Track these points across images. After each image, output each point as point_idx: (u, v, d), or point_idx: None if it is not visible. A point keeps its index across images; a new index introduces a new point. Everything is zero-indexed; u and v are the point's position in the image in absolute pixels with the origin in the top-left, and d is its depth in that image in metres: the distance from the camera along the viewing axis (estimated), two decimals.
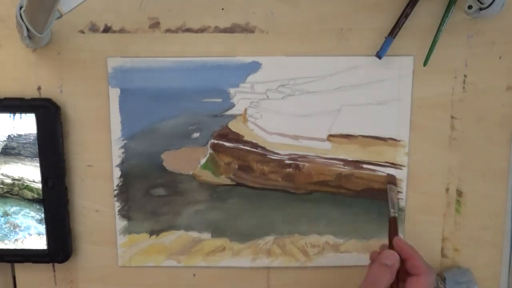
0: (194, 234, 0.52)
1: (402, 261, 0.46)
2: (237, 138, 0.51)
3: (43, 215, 0.50)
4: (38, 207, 0.50)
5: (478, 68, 0.50)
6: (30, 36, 0.45)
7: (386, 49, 0.47)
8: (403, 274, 0.46)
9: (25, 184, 0.50)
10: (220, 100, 0.50)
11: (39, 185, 0.50)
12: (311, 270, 0.53)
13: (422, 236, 0.52)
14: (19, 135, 0.49)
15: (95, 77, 0.49)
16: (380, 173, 0.51)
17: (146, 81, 0.49)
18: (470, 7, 0.46)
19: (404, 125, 0.50)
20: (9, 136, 0.49)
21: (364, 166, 0.51)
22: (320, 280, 0.54)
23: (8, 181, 0.50)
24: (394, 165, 0.51)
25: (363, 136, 0.51)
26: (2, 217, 0.51)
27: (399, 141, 0.51)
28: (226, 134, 0.51)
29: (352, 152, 0.51)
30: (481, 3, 0.45)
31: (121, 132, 0.50)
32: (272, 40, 0.49)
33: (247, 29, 0.49)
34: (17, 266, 0.53)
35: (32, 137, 0.49)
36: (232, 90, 0.50)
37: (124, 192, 0.51)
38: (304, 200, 0.52)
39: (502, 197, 0.52)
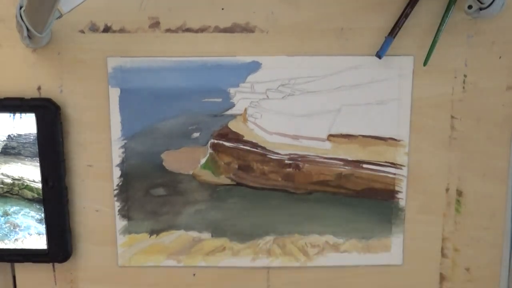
0: (194, 234, 0.52)
1: None
2: (237, 138, 0.51)
3: (43, 215, 0.50)
4: (38, 207, 0.50)
5: (478, 68, 0.50)
6: (30, 36, 0.45)
7: (386, 49, 0.47)
8: None
9: (25, 184, 0.50)
10: (220, 100, 0.50)
11: (39, 185, 0.50)
12: (311, 270, 0.53)
13: (422, 236, 0.52)
14: (19, 135, 0.49)
15: (95, 77, 0.49)
16: (380, 174, 0.51)
17: (146, 81, 0.49)
18: (470, 7, 0.46)
19: (404, 125, 0.50)
20: (9, 136, 0.49)
21: (364, 166, 0.51)
22: (320, 280, 0.54)
23: (8, 181, 0.50)
24: (394, 165, 0.51)
25: (363, 136, 0.51)
26: (2, 217, 0.51)
27: (399, 141, 0.51)
28: (226, 134, 0.51)
29: (352, 152, 0.51)
30: (481, 3, 0.45)
31: (121, 132, 0.50)
32: (272, 40, 0.49)
33: (247, 29, 0.49)
34: (17, 266, 0.53)
35: (32, 137, 0.49)
36: (232, 90, 0.50)
37: (124, 192, 0.51)
38: (304, 200, 0.52)
39: (502, 197, 0.52)
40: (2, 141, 0.50)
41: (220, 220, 0.52)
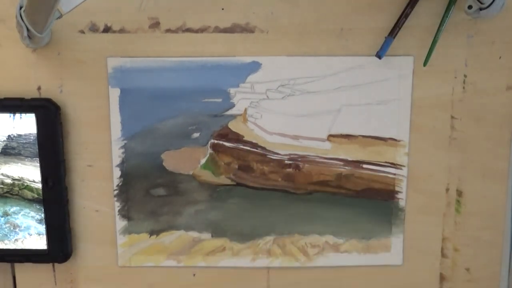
0: (194, 234, 0.52)
1: None
2: (237, 138, 0.51)
3: (43, 215, 0.50)
4: (38, 207, 0.50)
5: (478, 68, 0.50)
6: (30, 36, 0.45)
7: (386, 49, 0.47)
8: None
9: (25, 184, 0.50)
10: (220, 100, 0.50)
11: (39, 185, 0.50)
12: (311, 270, 0.53)
13: (422, 236, 0.52)
14: (19, 135, 0.49)
15: (95, 77, 0.49)
16: (380, 174, 0.51)
17: (146, 81, 0.49)
18: (470, 7, 0.46)
19: (404, 125, 0.50)
20: (9, 136, 0.49)
21: (364, 166, 0.51)
22: (320, 280, 0.54)
23: (8, 181, 0.50)
24: (394, 165, 0.51)
25: (363, 136, 0.51)
26: (2, 217, 0.51)
27: (399, 141, 0.51)
28: (226, 134, 0.51)
29: (352, 152, 0.51)
30: (481, 3, 0.45)
31: (121, 132, 0.50)
32: (272, 40, 0.49)
33: (247, 29, 0.49)
34: (17, 266, 0.53)
35: (32, 137, 0.49)
36: (232, 90, 0.50)
37: (124, 192, 0.51)
38: (304, 200, 0.52)
39: (502, 197, 0.52)
40: (2, 141, 0.50)
41: (220, 220, 0.52)
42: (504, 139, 0.51)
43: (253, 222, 0.52)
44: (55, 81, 0.50)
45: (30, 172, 0.50)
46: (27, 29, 0.43)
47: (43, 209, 0.50)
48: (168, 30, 0.49)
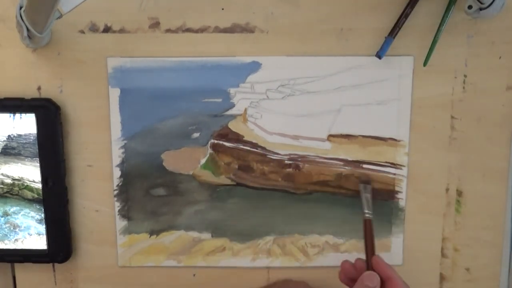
0: (194, 234, 0.52)
1: (382, 281, 0.44)
2: (237, 138, 0.51)
3: (43, 215, 0.50)
4: (38, 207, 0.50)
5: (478, 68, 0.50)
6: (30, 36, 0.45)
7: (386, 49, 0.47)
8: None
9: (25, 184, 0.50)
10: (220, 100, 0.50)
11: (39, 185, 0.50)
12: (311, 270, 0.53)
13: (422, 236, 0.52)
14: (19, 135, 0.49)
15: (95, 77, 0.49)
16: (380, 174, 0.51)
17: (146, 81, 0.49)
18: (470, 7, 0.46)
19: (404, 125, 0.50)
20: (9, 136, 0.49)
21: (364, 166, 0.51)
22: (320, 280, 0.54)
23: (8, 181, 0.50)
24: (394, 165, 0.51)
25: (363, 136, 0.51)
26: (2, 217, 0.51)
27: (399, 141, 0.51)
28: (226, 134, 0.51)
29: (352, 152, 0.51)
30: (481, 3, 0.45)
31: (121, 132, 0.50)
32: (272, 40, 0.49)
33: (247, 29, 0.49)
34: (17, 266, 0.53)
35: (32, 137, 0.49)
36: (232, 90, 0.50)
37: (124, 192, 0.51)
38: (304, 200, 0.52)
39: (502, 197, 0.52)
40: (2, 141, 0.50)
41: (220, 220, 0.52)
42: (504, 139, 0.51)
43: (253, 222, 0.52)
44: (55, 81, 0.50)
45: (30, 172, 0.50)
46: (27, 29, 0.43)
47: (43, 209, 0.50)
48: (168, 30, 0.49)
